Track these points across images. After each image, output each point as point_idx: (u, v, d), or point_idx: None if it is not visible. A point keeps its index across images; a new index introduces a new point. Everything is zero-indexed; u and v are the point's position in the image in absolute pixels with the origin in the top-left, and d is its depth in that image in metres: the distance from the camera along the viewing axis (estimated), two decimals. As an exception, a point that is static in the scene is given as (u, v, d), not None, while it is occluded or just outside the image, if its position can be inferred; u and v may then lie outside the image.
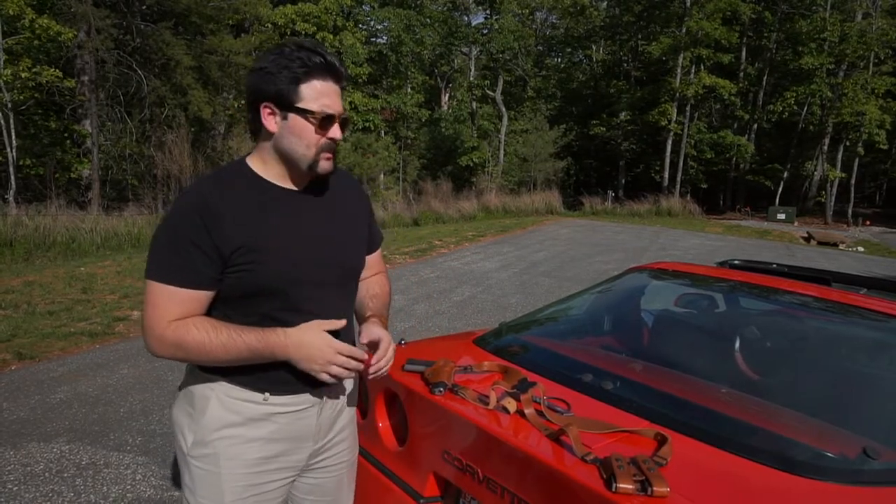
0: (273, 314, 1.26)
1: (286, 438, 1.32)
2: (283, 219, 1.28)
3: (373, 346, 1.33)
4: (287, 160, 1.28)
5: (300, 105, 1.22)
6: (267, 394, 1.29)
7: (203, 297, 1.23)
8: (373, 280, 1.55)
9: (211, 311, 1.28)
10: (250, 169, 1.30)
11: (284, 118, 1.23)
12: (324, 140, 1.26)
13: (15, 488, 2.65)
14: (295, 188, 1.32)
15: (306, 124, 1.23)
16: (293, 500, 1.45)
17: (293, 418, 1.32)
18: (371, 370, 1.30)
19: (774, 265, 2.56)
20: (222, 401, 1.28)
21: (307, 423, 1.34)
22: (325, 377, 1.22)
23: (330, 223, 1.35)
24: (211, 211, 1.20)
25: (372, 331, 1.33)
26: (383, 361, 1.31)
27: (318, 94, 1.22)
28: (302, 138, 1.24)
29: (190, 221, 1.20)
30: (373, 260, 1.54)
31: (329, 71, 1.23)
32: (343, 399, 1.43)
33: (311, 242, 1.30)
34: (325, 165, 1.28)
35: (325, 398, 1.36)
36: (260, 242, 1.23)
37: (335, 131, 1.26)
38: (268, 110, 1.24)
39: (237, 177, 1.29)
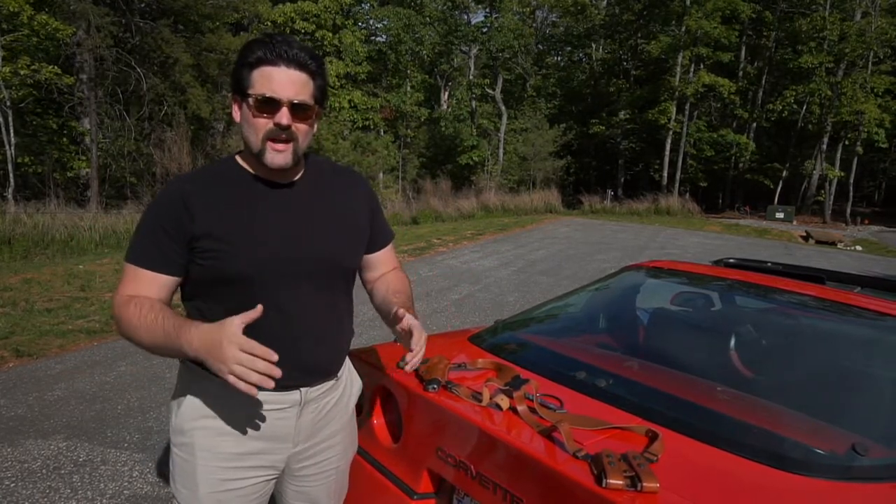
0: (244, 306, 1.24)
1: (262, 437, 1.31)
2: (258, 210, 1.27)
3: (406, 336, 1.32)
4: (249, 151, 1.28)
5: (248, 91, 1.21)
6: None
7: (164, 281, 1.25)
8: (390, 277, 1.54)
9: (186, 303, 1.32)
10: (237, 163, 1.31)
11: (241, 107, 1.25)
12: (269, 126, 1.21)
13: (12, 485, 2.66)
14: (282, 182, 1.31)
15: (249, 108, 1.22)
16: None
17: (270, 417, 1.31)
18: (408, 367, 1.30)
19: (769, 264, 2.57)
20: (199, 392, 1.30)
21: (285, 423, 1.33)
22: (231, 379, 1.06)
23: (315, 218, 1.33)
24: (183, 199, 1.23)
25: (405, 321, 1.32)
26: (417, 349, 1.30)
27: (266, 79, 1.19)
28: (249, 124, 1.23)
29: (161, 209, 1.25)
30: (383, 257, 1.54)
31: (282, 57, 1.19)
32: (330, 404, 1.42)
33: (285, 235, 1.28)
34: (272, 157, 1.22)
35: (305, 401, 1.35)
36: (227, 231, 1.23)
37: (280, 116, 1.20)
38: (235, 102, 1.26)
39: (221, 170, 1.31)
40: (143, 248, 1.25)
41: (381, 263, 1.53)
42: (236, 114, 1.27)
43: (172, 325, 1.15)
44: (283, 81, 1.20)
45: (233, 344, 1.06)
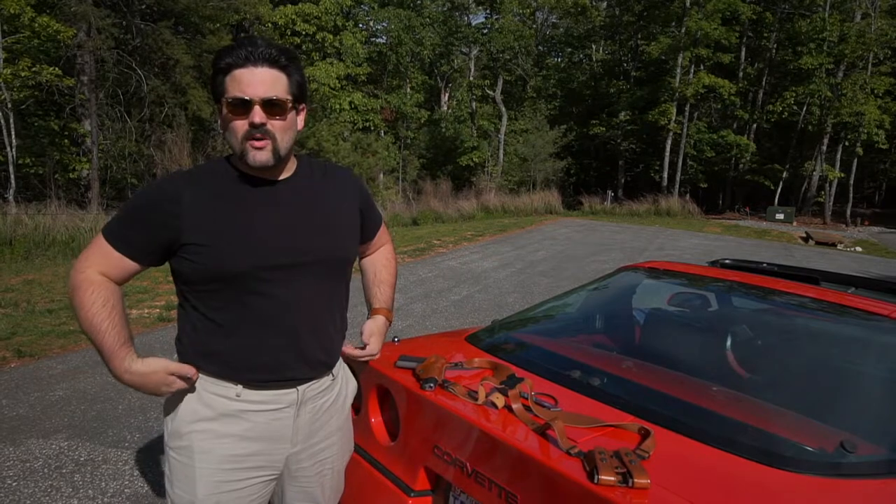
0: (241, 302, 1.28)
1: (260, 438, 1.33)
2: (249, 208, 1.29)
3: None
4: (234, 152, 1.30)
5: (223, 96, 1.24)
6: (240, 387, 1.30)
7: (131, 268, 1.30)
8: (379, 259, 1.64)
9: (182, 301, 1.33)
10: (228, 163, 1.34)
11: (221, 113, 1.27)
12: (246, 127, 1.23)
13: (14, 484, 2.68)
14: (271, 179, 1.33)
15: (224, 113, 1.25)
16: None
17: (268, 418, 1.33)
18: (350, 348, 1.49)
19: (765, 264, 2.59)
20: (198, 393, 1.31)
21: (283, 423, 1.35)
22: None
23: (307, 214, 1.35)
24: (176, 196, 1.25)
25: (366, 330, 1.54)
26: (359, 352, 1.50)
27: (236, 81, 1.23)
28: (228, 128, 1.26)
29: (153, 203, 1.27)
30: (374, 239, 1.62)
31: (248, 58, 1.22)
32: (327, 404, 1.44)
33: (277, 232, 1.30)
34: (254, 156, 1.25)
35: (302, 401, 1.37)
36: (219, 228, 1.25)
37: (253, 115, 1.22)
38: (219, 111, 1.29)
39: (214, 169, 1.33)
40: (124, 232, 1.28)
41: (372, 244, 1.63)
42: (219, 121, 1.30)
43: (109, 345, 1.23)
44: (252, 81, 1.22)
45: (168, 387, 1.29)
